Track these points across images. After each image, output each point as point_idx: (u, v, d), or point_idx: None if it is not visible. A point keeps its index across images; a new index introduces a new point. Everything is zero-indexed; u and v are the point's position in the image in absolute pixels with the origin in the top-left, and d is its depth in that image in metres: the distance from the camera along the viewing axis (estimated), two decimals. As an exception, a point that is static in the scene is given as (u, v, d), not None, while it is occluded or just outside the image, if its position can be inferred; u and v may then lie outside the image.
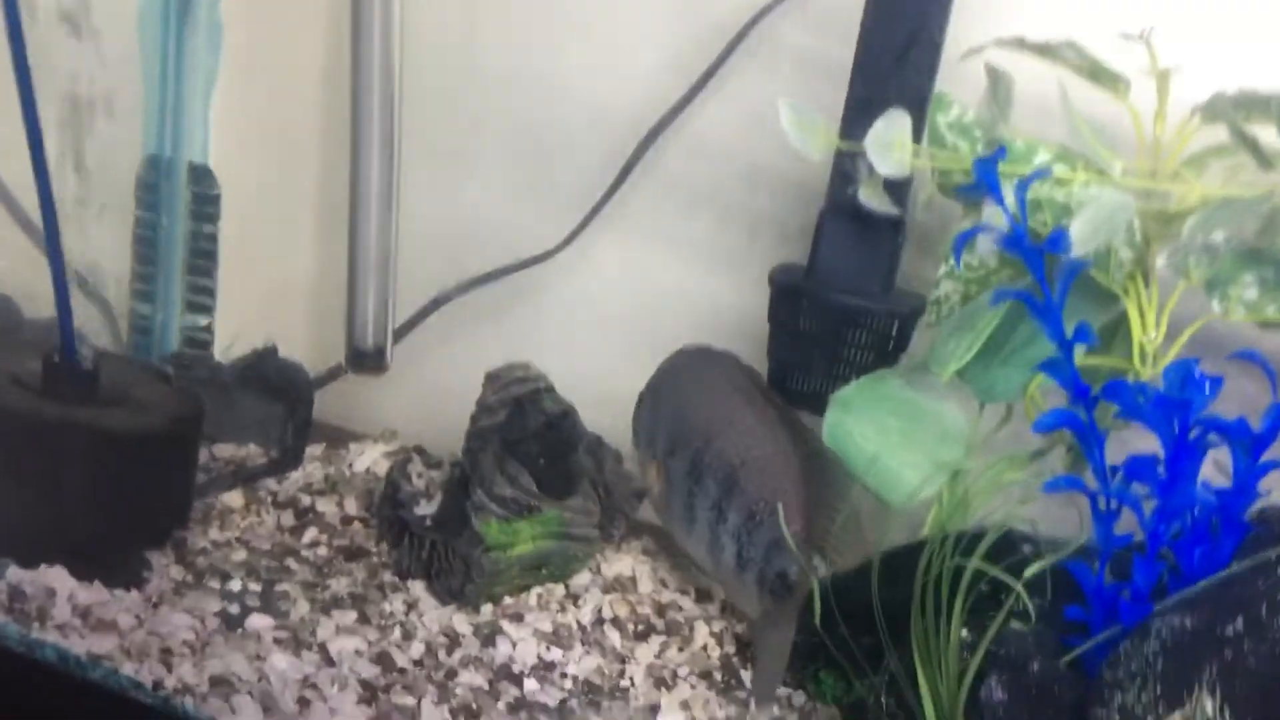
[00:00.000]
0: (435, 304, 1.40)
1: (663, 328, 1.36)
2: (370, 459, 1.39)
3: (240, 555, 1.22)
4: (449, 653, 1.13)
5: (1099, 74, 1.00)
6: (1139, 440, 0.96)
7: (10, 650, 0.93)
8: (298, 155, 1.43)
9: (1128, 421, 1.05)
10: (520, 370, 1.27)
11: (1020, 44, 1.02)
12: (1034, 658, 0.95)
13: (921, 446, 1.10)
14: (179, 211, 1.33)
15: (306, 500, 1.32)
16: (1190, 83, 1.03)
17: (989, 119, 1.03)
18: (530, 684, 1.11)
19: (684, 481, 1.15)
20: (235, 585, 1.17)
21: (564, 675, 1.14)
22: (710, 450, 1.13)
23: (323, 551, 1.26)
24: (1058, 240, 0.91)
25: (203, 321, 1.36)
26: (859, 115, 1.07)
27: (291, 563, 1.23)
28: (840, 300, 1.17)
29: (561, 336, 1.40)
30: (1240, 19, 1.11)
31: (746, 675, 1.15)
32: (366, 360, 1.30)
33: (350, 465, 1.38)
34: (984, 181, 0.94)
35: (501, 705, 1.07)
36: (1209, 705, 0.87)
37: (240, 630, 1.10)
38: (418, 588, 1.21)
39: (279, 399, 1.31)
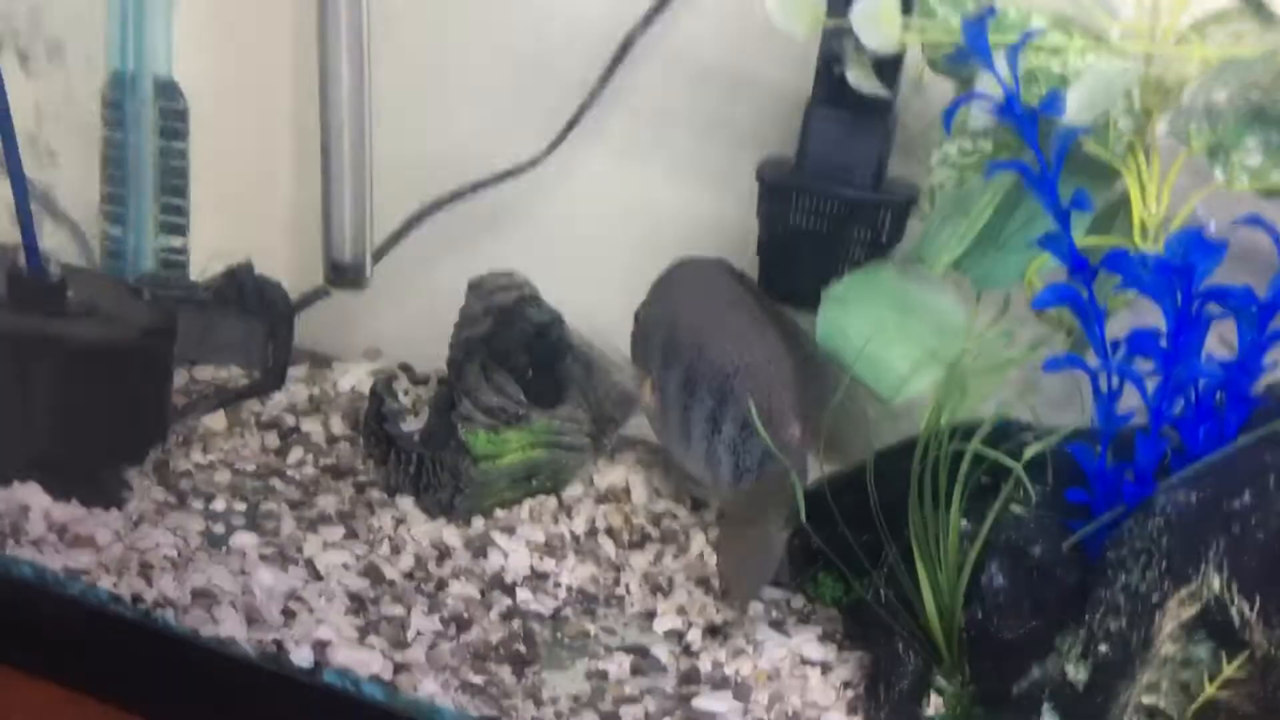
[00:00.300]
0: (415, 220, 1.37)
1: (646, 240, 1.33)
2: (355, 378, 1.36)
3: (224, 477, 1.20)
4: (439, 564, 1.11)
5: (1094, -62, 0.96)
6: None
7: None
8: (270, 68, 1.39)
9: (1128, 302, 1.02)
10: (504, 278, 1.24)
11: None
12: (1035, 542, 0.93)
13: (918, 339, 1.07)
14: (146, 129, 1.29)
15: (291, 421, 1.29)
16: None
17: (980, -11, 0.99)
18: (523, 593, 1.09)
19: (679, 395, 1.12)
20: (219, 505, 1.15)
21: (557, 584, 1.12)
22: (703, 360, 1.10)
23: (309, 471, 1.23)
24: (1052, 103, 0.87)
25: (176, 242, 1.33)
26: (846, -11, 1.02)
27: (277, 483, 1.21)
28: (831, 191, 1.13)
29: (544, 252, 1.37)
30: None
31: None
32: (345, 273, 1.27)
33: (335, 385, 1.36)
34: (973, 46, 0.90)
35: (494, 614, 1.06)
36: (1216, 582, 0.85)
37: (225, 548, 1.08)
38: (406, 503, 1.19)
39: (258, 318, 1.28)
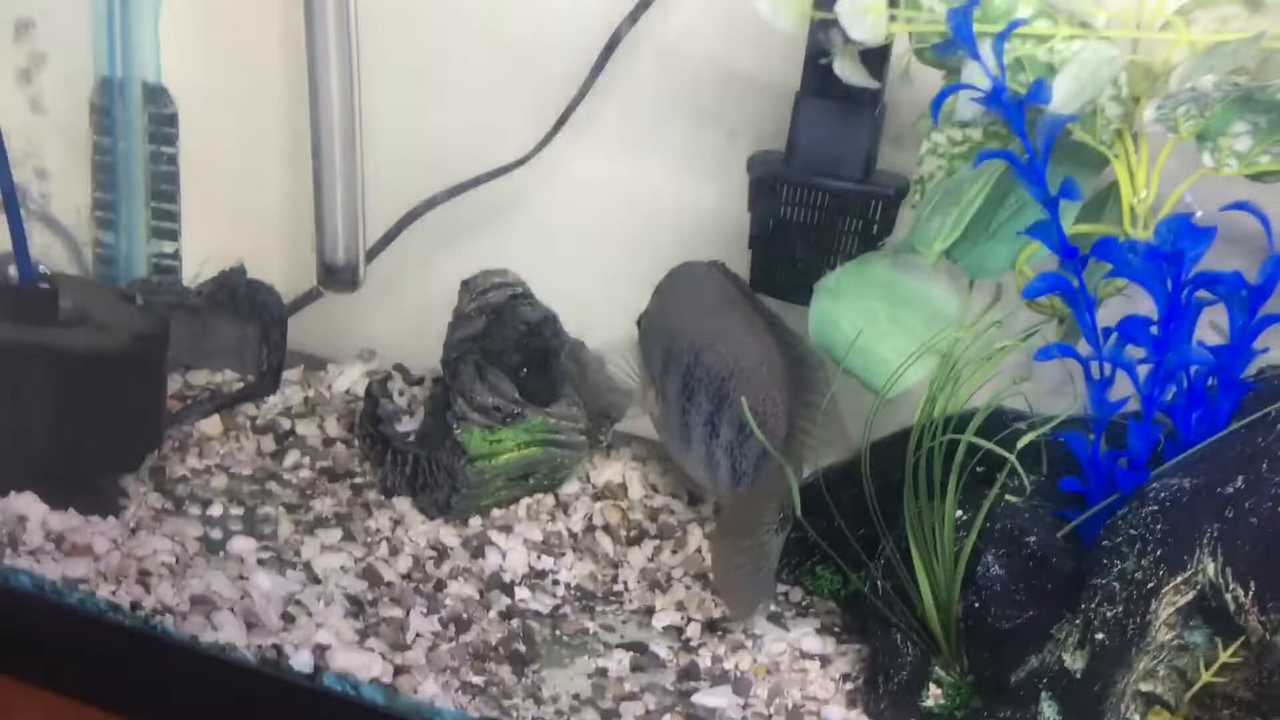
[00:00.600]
0: (408, 219, 1.37)
1: (639, 235, 1.33)
2: (350, 379, 1.36)
3: (221, 481, 1.20)
4: (437, 565, 1.11)
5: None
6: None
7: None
8: (259, 71, 1.38)
9: (1120, 290, 1.02)
10: (497, 276, 1.24)
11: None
12: (1030, 531, 0.93)
13: (910, 330, 1.07)
14: (136, 134, 1.29)
15: (286, 424, 1.29)
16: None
17: (966, -22, 0.98)
18: (522, 592, 1.09)
19: (678, 400, 1.12)
20: (216, 510, 1.15)
21: (556, 582, 1.12)
22: (700, 365, 1.11)
23: (305, 474, 1.23)
24: (1038, 92, 0.87)
25: (169, 248, 1.33)
26: (832, -16, 1.02)
27: (274, 486, 1.21)
28: (821, 184, 1.13)
29: (538, 248, 1.37)
30: None
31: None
32: (339, 275, 1.26)
33: (330, 387, 1.35)
34: (959, 34, 0.90)
35: (493, 614, 1.06)
36: (1210, 567, 0.85)
37: (222, 553, 1.08)
38: (403, 504, 1.19)
39: (252, 321, 1.28)
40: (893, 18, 1.00)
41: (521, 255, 1.30)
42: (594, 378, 1.24)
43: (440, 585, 1.08)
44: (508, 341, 1.23)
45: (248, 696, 0.93)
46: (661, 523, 1.21)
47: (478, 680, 0.96)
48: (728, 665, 1.02)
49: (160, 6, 1.25)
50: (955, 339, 1.03)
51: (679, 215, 1.33)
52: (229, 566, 1.05)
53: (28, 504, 1.03)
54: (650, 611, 1.09)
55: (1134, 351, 0.91)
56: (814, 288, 1.10)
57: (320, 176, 1.26)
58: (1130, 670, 0.86)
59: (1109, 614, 0.87)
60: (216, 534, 1.11)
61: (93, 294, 1.14)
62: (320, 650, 0.95)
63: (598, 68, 1.29)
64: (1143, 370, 0.91)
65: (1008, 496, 0.94)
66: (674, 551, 1.17)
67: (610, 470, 1.26)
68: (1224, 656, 0.83)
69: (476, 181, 1.34)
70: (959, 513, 0.95)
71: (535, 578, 1.12)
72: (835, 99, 1.10)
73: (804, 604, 1.12)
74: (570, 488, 1.23)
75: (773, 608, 1.10)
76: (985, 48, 0.91)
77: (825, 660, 1.04)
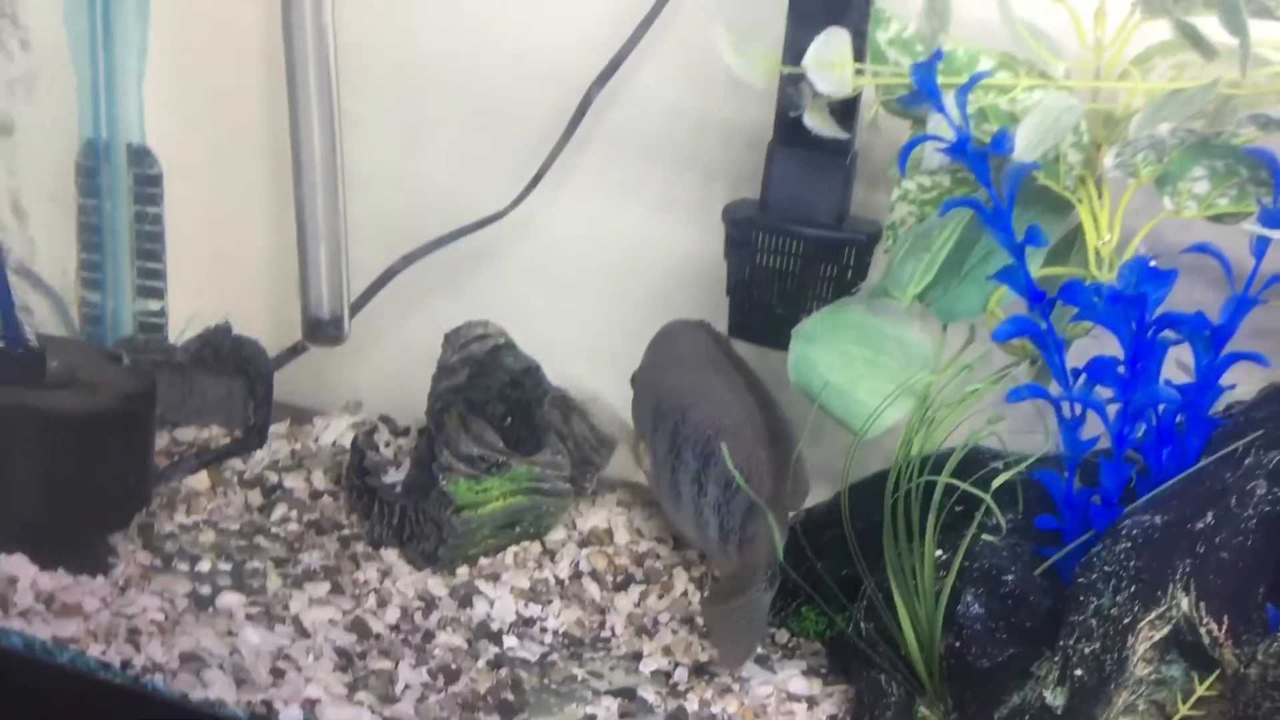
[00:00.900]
0: (391, 272, 1.38)
1: (622, 282, 1.35)
2: (336, 432, 1.37)
3: (209, 537, 1.21)
4: (425, 616, 1.12)
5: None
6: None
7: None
8: (242, 129, 1.40)
9: (1088, 332, 1.04)
10: (479, 328, 1.25)
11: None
12: (1008, 569, 0.95)
13: (887, 373, 1.09)
14: (121, 195, 1.31)
15: (273, 477, 1.30)
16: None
17: (930, 32, 1.01)
18: (510, 640, 1.10)
19: (667, 458, 1.15)
20: (205, 566, 1.16)
21: (544, 630, 1.13)
22: (687, 424, 1.13)
23: (293, 527, 1.24)
24: (1001, 142, 0.90)
25: (154, 306, 1.34)
26: (800, 38, 1.05)
27: (262, 540, 1.22)
28: (796, 231, 1.15)
29: (521, 298, 1.38)
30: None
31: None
32: (324, 329, 1.28)
33: (316, 439, 1.37)
34: (923, 88, 0.93)
35: (481, 663, 1.06)
36: (1184, 602, 0.86)
37: (211, 609, 1.09)
38: (391, 555, 1.20)
39: (237, 377, 1.29)
40: (859, 71, 1.03)
41: (504, 306, 1.32)
42: (578, 425, 1.25)
43: (428, 636, 1.09)
44: (491, 392, 1.25)
45: (239, 753, 0.93)
46: (648, 567, 1.22)
47: (467, 731, 0.97)
48: (715, 709, 1.03)
49: (145, 68, 1.27)
50: (930, 381, 1.06)
51: (659, 263, 1.35)
52: (218, 623, 1.05)
53: (18, 565, 1.03)
54: (638, 657, 1.10)
55: (1103, 391, 0.93)
56: (792, 333, 1.12)
57: (304, 232, 1.28)
58: (1110, 705, 0.87)
59: (1087, 650, 0.89)
60: (205, 589, 1.12)
61: (79, 354, 1.15)
62: (310, 705, 0.95)
63: (577, 116, 1.31)
64: (1112, 409, 0.93)
65: (985, 536, 0.96)
66: (660, 596, 1.18)
67: (596, 516, 1.27)
68: (1200, 690, 0.85)
69: (456, 235, 1.36)
70: (938, 552, 0.96)
71: (523, 625, 1.13)
72: (807, 148, 1.13)
73: (790, 645, 1.14)
74: (557, 535, 1.24)
75: (759, 650, 1.11)
76: (949, 99, 0.94)
77: (812, 701, 1.05)
